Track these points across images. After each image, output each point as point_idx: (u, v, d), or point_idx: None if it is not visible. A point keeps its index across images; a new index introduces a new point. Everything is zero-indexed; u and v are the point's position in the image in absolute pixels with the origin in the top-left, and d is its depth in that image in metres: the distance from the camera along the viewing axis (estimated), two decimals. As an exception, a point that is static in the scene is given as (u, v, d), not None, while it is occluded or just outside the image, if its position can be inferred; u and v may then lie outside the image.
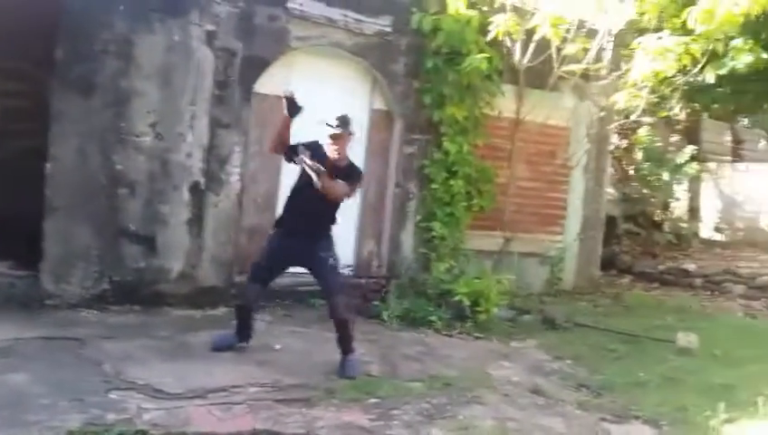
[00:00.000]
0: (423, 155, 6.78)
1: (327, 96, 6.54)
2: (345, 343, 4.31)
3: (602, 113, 7.58)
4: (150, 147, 5.62)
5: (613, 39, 6.46)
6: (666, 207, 10.51)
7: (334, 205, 4.34)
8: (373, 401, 3.73)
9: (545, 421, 3.68)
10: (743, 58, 7.97)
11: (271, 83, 6.18)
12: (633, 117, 6.52)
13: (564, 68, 6.27)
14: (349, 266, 6.17)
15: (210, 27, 5.79)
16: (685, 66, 5.97)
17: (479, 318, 5.67)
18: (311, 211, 4.26)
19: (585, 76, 6.75)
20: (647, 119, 8.49)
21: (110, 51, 5.43)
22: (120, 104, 5.50)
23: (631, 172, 10.36)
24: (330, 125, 4.26)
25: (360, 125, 6.72)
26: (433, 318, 5.68)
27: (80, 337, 4.44)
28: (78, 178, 5.39)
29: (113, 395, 3.47)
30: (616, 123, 7.39)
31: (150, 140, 5.62)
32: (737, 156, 11.71)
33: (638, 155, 10.30)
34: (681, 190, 10.45)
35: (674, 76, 6.23)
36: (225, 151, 5.92)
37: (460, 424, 3.51)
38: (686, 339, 5.25)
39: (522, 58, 6.33)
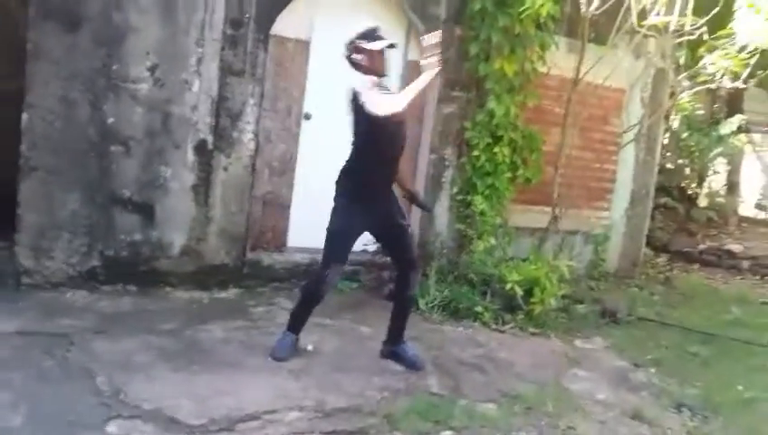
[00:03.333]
0: (463, 116, 5.86)
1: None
2: (403, 330, 3.77)
3: (659, 75, 6.71)
4: (148, 96, 4.66)
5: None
6: (702, 180, 9.74)
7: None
8: (447, 433, 2.93)
9: (662, 463, 2.94)
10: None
11: (291, 24, 5.22)
12: (735, 84, 5.57)
13: (643, 22, 5.31)
14: (373, 242, 5.31)
15: (220, -51, 4.77)
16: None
17: (533, 310, 4.88)
18: (390, 164, 3.58)
19: (646, 31, 5.83)
20: (690, 83, 7.54)
21: (99, -26, 4.41)
22: (112, 42, 4.52)
23: (666, 141, 9.52)
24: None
25: (392, 78, 5.82)
26: (479, 309, 4.88)
27: (65, 332, 3.57)
28: (61, 132, 4.44)
29: (113, 428, 2.63)
30: (689, 89, 6.47)
31: (148, 88, 4.66)
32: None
33: (675, 123, 9.45)
34: (720, 163, 9.66)
35: None
36: (237, 104, 4.97)
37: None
38: (781, 344, 4.55)
39: (589, 4, 5.38)
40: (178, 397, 2.93)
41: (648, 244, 8.37)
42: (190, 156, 4.83)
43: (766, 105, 10.67)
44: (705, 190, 9.88)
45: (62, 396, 2.85)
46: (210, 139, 4.89)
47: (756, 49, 5.14)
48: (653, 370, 4.20)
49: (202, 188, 4.88)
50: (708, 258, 8.17)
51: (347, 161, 3.64)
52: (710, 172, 9.79)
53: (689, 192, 9.61)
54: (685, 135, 9.19)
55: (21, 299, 4.07)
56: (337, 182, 3.64)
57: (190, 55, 4.76)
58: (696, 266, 8.03)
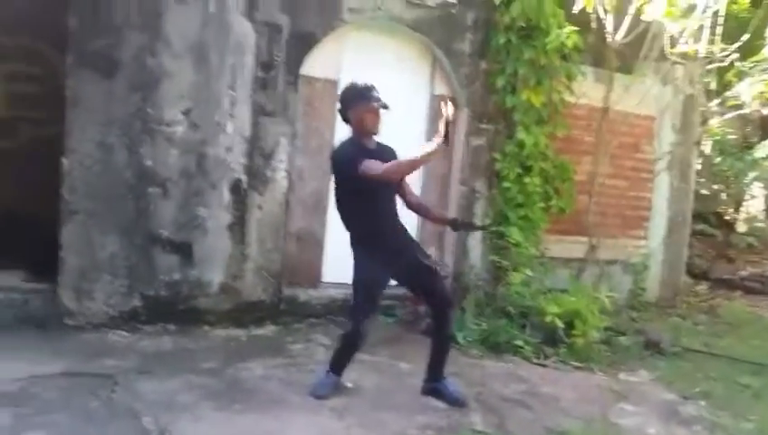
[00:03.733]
0: (492, 148, 5.86)
1: (382, 79, 5.62)
2: (443, 366, 3.67)
3: (689, 101, 6.66)
4: (184, 138, 4.76)
5: (721, 17, 5.47)
6: (738, 205, 9.54)
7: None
8: (496, 473, 2.86)
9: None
10: None
11: (320, 64, 5.31)
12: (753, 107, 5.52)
13: (671, 49, 5.29)
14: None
15: (251, -3, 4.90)
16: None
17: (576, 343, 4.77)
18: (392, 211, 3.56)
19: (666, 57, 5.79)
20: (722, 108, 7.45)
21: (133, 23, 4.57)
22: (147, 87, 4.65)
23: (699, 167, 9.37)
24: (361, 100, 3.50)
25: (419, 112, 5.87)
26: (519, 343, 4.79)
27: (109, 372, 3.60)
28: (100, 176, 4.55)
29: (160, 469, 2.62)
30: (720, 114, 6.39)
31: (183, 130, 4.76)
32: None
33: (708, 148, 9.32)
34: (757, 187, 9.46)
35: None
36: (269, 144, 5.05)
37: None
38: (837, 373, 4.36)
39: (615, 35, 5.39)
40: (223, 436, 2.92)
41: (687, 272, 8.19)
42: (226, 195, 4.90)
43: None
44: (742, 216, 9.66)
45: (109, 436, 2.86)
46: (245, 178, 4.96)
47: None
48: (703, 403, 4.04)
49: (238, 227, 4.94)
50: (751, 285, 7.94)
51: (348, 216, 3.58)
52: (747, 197, 9.58)
53: (727, 218, 9.40)
54: (718, 160, 9.05)
55: (64, 340, 4.12)
56: (351, 236, 3.60)
57: (223, 98, 4.87)
58: (739, 294, 7.80)
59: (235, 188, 4.93)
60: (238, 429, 3.04)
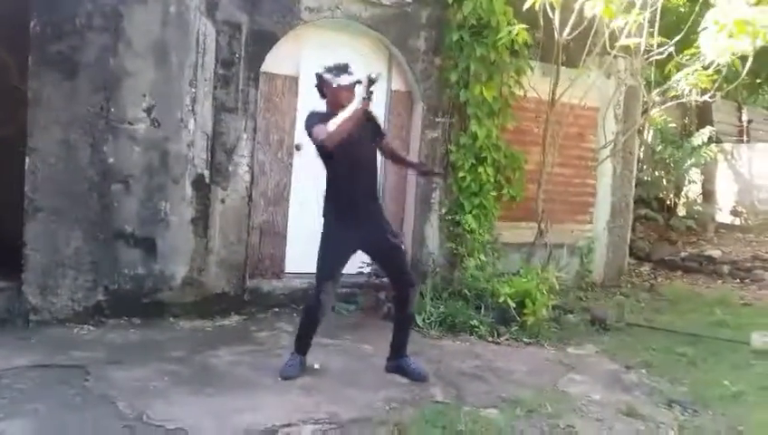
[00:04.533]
0: (447, 140, 6.13)
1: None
2: (406, 344, 3.94)
3: (631, 92, 7.05)
4: (146, 136, 4.85)
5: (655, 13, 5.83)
6: (679, 190, 10.08)
7: (376, 165, 3.89)
8: (455, 438, 3.11)
9: (660, 454, 3.12)
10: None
11: (279, 62, 5.47)
12: (704, 98, 5.87)
13: (616, 44, 5.62)
14: (368, 264, 5.50)
15: (210, -4, 5.02)
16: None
17: (527, 321, 5.07)
18: (360, 181, 3.72)
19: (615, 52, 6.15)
20: (662, 98, 7.91)
21: (94, 24, 4.64)
22: (109, 87, 4.72)
23: (641, 155, 9.86)
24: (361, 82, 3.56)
25: (376, 107, 6.06)
26: (475, 323, 5.07)
27: (80, 363, 3.70)
28: (63, 174, 4.61)
29: (141, 448, 2.77)
30: (660, 104, 6.79)
31: (146, 128, 4.85)
32: (749, 136, 11.36)
33: (650, 137, 9.82)
34: (694, 173, 10.01)
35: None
36: (231, 139, 5.18)
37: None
38: (762, 340, 4.76)
39: (561, 31, 5.70)
40: (199, 416, 3.07)
41: (631, 254, 8.64)
42: (188, 190, 5.01)
43: (734, 116, 11.14)
44: (682, 200, 10.21)
45: (88, 421, 2.98)
46: (207, 173, 5.08)
47: (720, 65, 5.44)
48: (644, 371, 4.39)
49: (201, 221, 5.06)
50: (690, 265, 8.44)
51: (325, 186, 3.81)
52: (686, 183, 10.13)
53: (668, 202, 9.93)
54: (659, 148, 9.55)
55: (30, 336, 4.19)
56: (323, 206, 3.82)
57: (185, 95, 4.97)
58: (679, 273, 8.29)
59: (198, 182, 5.05)
60: (211, 409, 3.20)
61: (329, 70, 3.78)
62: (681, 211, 10.03)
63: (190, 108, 5.00)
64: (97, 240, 4.72)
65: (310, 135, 3.61)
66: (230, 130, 5.17)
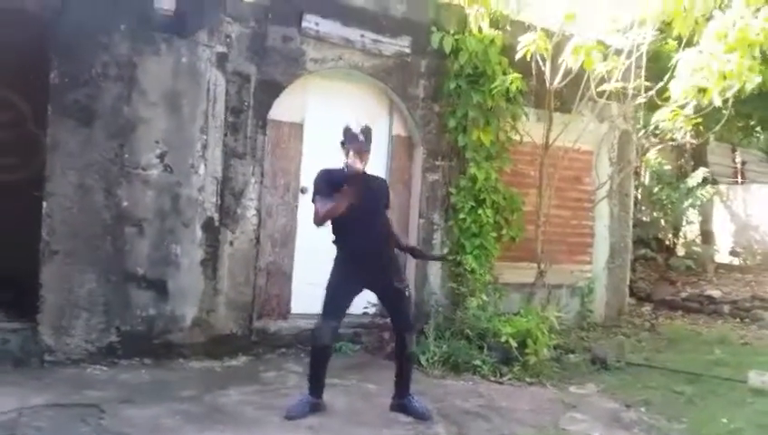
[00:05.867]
0: (447, 183, 6.33)
1: (344, 122, 6.04)
2: (409, 383, 4.07)
3: (624, 135, 7.28)
4: (158, 180, 5.05)
5: (636, 59, 6.09)
6: (677, 231, 10.24)
7: (385, 220, 4.06)
8: (458, 474, 3.19)
9: (655, 488, 3.20)
10: (752, 80, 7.66)
11: (285, 109, 5.72)
12: (677, 137, 6.12)
13: (599, 89, 5.88)
14: (372, 305, 5.63)
15: (221, 49, 5.29)
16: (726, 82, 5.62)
17: (528, 361, 5.17)
18: (369, 234, 3.92)
19: (607, 98, 6.40)
20: (654, 142, 8.15)
21: (110, 74, 4.90)
22: (124, 134, 4.95)
23: (639, 196, 10.07)
24: (346, 142, 3.89)
25: (379, 152, 6.30)
26: (478, 362, 5.17)
27: (95, 402, 3.81)
28: (78, 217, 4.79)
29: (154, 484, 2.86)
30: (653, 146, 7.02)
31: (158, 173, 5.06)
32: (743, 177, 11.58)
33: (647, 178, 10.04)
34: (692, 214, 10.19)
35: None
36: (240, 184, 5.39)
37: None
38: (759, 379, 4.84)
39: (552, 79, 5.96)
40: (210, 453, 3.18)
41: (631, 294, 8.75)
42: (198, 233, 5.19)
43: (728, 158, 11.40)
44: (681, 241, 10.36)
45: (103, 458, 3.09)
46: (216, 216, 5.26)
47: (694, 105, 5.68)
48: (643, 409, 4.47)
49: (210, 263, 5.21)
50: (690, 305, 8.53)
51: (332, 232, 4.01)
52: (684, 223, 10.31)
53: (666, 243, 10.08)
54: (656, 189, 9.75)
55: (45, 376, 4.30)
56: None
57: (195, 142, 5.19)
58: (680, 313, 8.37)
59: (208, 225, 5.23)
60: (223, 446, 3.30)
61: (345, 133, 3.98)
62: (680, 251, 10.17)
63: (201, 154, 5.21)
64: (110, 282, 4.87)
65: (313, 200, 3.89)
66: (239, 174, 5.37)
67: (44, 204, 4.70)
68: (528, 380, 5.06)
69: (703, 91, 5.53)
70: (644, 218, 9.74)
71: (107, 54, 4.88)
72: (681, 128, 5.93)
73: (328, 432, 3.63)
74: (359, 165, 3.76)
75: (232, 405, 3.99)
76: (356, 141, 3.86)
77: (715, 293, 8.60)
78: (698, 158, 10.70)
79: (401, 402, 4.05)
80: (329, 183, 3.84)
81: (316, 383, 3.96)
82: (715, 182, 10.49)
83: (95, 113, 4.85)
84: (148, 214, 5.02)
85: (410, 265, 6.29)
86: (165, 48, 5.07)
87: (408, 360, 4.10)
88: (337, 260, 3.99)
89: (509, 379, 5.05)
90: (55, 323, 4.67)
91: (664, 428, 4.11)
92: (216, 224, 5.27)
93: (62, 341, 4.67)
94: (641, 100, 6.22)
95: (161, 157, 5.07)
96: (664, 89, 5.86)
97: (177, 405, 3.88)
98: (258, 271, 5.53)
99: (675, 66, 5.66)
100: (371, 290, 4.11)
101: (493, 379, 5.03)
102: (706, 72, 5.42)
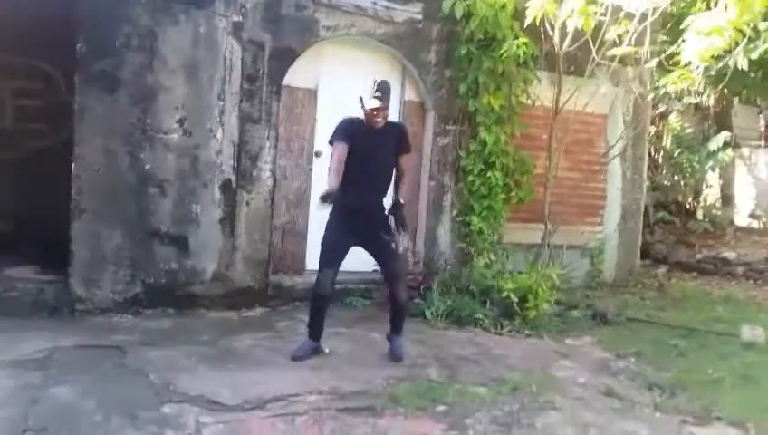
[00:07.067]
0: (458, 146, 6.52)
1: (357, 88, 6.27)
2: (401, 323, 4.40)
3: (639, 99, 7.31)
4: (179, 144, 5.37)
5: (651, 22, 6.08)
6: (697, 194, 10.21)
7: (389, 170, 4.32)
8: (441, 408, 3.48)
9: (627, 426, 3.43)
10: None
11: (299, 76, 5.95)
12: (683, 100, 6.15)
13: (607, 53, 5.94)
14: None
15: (236, 18, 5.53)
16: (737, 43, 5.62)
17: (528, 315, 5.40)
18: (371, 184, 4.23)
19: (621, 61, 6.44)
20: (676, 105, 8.13)
21: (132, 45, 5.18)
22: (146, 100, 5.25)
23: (660, 160, 10.05)
24: (363, 100, 4.17)
25: (391, 117, 6.46)
26: (479, 316, 5.42)
27: (119, 344, 4.21)
28: (105, 178, 5.15)
29: (167, 409, 3.23)
30: (659, 109, 7.05)
31: (179, 137, 5.37)
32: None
33: (668, 142, 10.00)
34: (713, 177, 10.13)
35: (723, 56, 5.84)
36: (255, 147, 5.67)
37: (540, 433, 3.26)
38: (751, 332, 4.98)
39: (560, 44, 6.04)
40: (218, 386, 3.52)
41: (649, 256, 8.86)
42: (217, 194, 5.51)
43: (754, 121, 11.19)
44: (701, 204, 10.33)
45: (124, 389, 3.47)
46: (233, 178, 5.57)
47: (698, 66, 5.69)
48: (633, 359, 4.68)
49: (228, 221, 5.55)
50: (705, 266, 8.59)
51: None
52: (704, 187, 10.26)
53: (687, 206, 10.07)
54: (676, 153, 9.72)
55: (76, 323, 4.73)
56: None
57: (213, 108, 5.48)
58: (695, 275, 8.44)
59: (226, 186, 5.55)
60: (230, 381, 3.64)
61: (362, 93, 4.23)
62: (700, 215, 10.16)
63: (218, 119, 5.51)
64: (135, 238, 5.25)
65: (330, 143, 4.21)
66: (254, 138, 5.66)
67: (73, 166, 5.07)
68: (527, 332, 5.30)
69: (714, 53, 5.53)
70: (665, 182, 9.73)
71: (129, 26, 5.17)
72: (701, 91, 5.93)
73: (329, 370, 3.96)
74: (375, 119, 4.10)
75: (244, 348, 4.35)
76: (367, 101, 4.12)
77: (731, 255, 8.63)
78: (722, 121, 10.55)
79: (390, 335, 4.43)
80: (346, 131, 4.14)
81: (317, 328, 4.28)
82: (737, 145, 10.37)
83: (119, 81, 5.16)
84: (170, 175, 5.35)
85: (420, 225, 6.55)
86: (183, 18, 5.34)
87: (397, 304, 4.37)
88: (331, 215, 4.28)
89: (509, 331, 5.31)
90: (85, 276, 5.08)
91: (649, 375, 4.32)
92: (234, 185, 5.59)
93: (91, 292, 5.09)
94: (652, 63, 6.23)
95: (181, 122, 5.38)
96: (678, 52, 5.88)
97: (193, 348, 4.25)
98: (273, 229, 5.85)
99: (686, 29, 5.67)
100: (362, 244, 4.30)
101: (493, 331, 5.29)
102: (719, 34, 5.42)
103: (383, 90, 4.16)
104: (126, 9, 5.14)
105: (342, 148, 4.06)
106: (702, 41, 5.18)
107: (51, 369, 3.68)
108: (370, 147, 4.12)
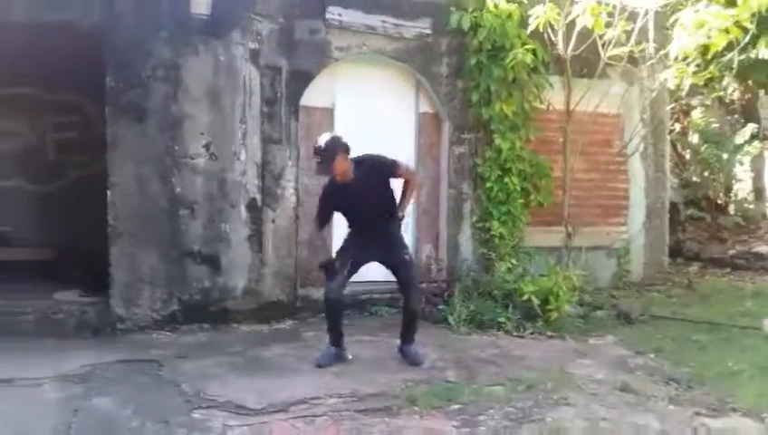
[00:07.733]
0: (474, 154, 6.67)
1: (372, 104, 6.54)
2: (412, 333, 4.57)
3: (654, 95, 7.33)
4: (206, 168, 5.67)
5: (654, 19, 6.13)
6: (728, 189, 10.07)
7: (385, 202, 4.50)
8: (456, 407, 3.63)
9: (638, 419, 3.50)
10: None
11: (316, 96, 6.20)
12: (683, 95, 6.15)
13: (610, 53, 6.03)
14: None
15: (253, 45, 5.83)
16: (737, 40, 5.64)
17: (550, 317, 5.48)
18: (367, 220, 4.48)
19: (632, 60, 6.49)
20: (699, 100, 8.09)
21: (157, 76, 5.52)
22: (173, 128, 5.58)
23: (688, 156, 9.97)
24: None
25: (407, 129, 6.72)
26: (502, 319, 5.53)
27: (155, 358, 4.49)
28: (139, 203, 5.48)
29: (197, 414, 3.47)
30: (672, 105, 7.05)
31: (205, 161, 5.68)
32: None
33: (694, 138, 9.91)
34: (743, 171, 9.99)
35: (722, 53, 5.87)
36: (278, 167, 5.94)
37: (550, 427, 3.37)
38: (774, 324, 4.97)
39: (566, 48, 6.14)
40: (245, 392, 3.75)
41: (680, 254, 8.78)
42: (244, 213, 5.79)
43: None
44: (732, 199, 10.18)
45: (158, 397, 3.73)
46: (259, 197, 5.84)
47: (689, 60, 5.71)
48: (652, 355, 4.72)
49: (256, 238, 5.81)
50: (738, 262, 8.47)
51: None
52: (734, 181, 10.11)
53: (717, 202, 9.94)
54: (702, 149, 9.63)
55: (117, 340, 5.04)
56: None
57: (236, 131, 5.77)
58: (728, 271, 8.33)
59: (252, 206, 5.82)
60: (257, 387, 3.87)
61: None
62: (732, 210, 10.01)
63: (242, 142, 5.79)
64: (170, 259, 5.55)
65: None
66: (276, 158, 5.92)
67: (108, 193, 5.41)
68: (549, 334, 5.37)
69: (705, 48, 5.58)
70: (693, 178, 9.65)
71: (153, 59, 5.51)
72: (685, 85, 5.96)
73: (350, 376, 4.15)
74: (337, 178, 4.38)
75: (272, 357, 4.58)
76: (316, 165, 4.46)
77: (763, 249, 8.50)
78: (748, 113, 10.40)
79: (402, 348, 4.58)
80: (327, 199, 4.53)
81: (336, 335, 4.48)
82: (765, 138, 10.20)
83: (147, 111, 5.50)
84: (199, 197, 5.65)
85: (442, 234, 6.69)
86: (203, 49, 5.66)
87: (409, 312, 4.59)
88: (348, 234, 4.60)
89: (531, 333, 5.40)
90: (124, 297, 5.40)
91: (668, 370, 4.36)
92: (259, 204, 5.85)
93: (130, 311, 5.40)
94: (653, 61, 6.27)
95: (207, 146, 5.68)
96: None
97: (224, 358, 4.50)
98: (299, 244, 6.08)
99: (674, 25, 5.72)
100: (378, 260, 4.56)
101: (515, 334, 5.39)
102: (706, 30, 5.46)
103: (321, 152, 4.31)
104: (150, 43, 5.48)
105: (318, 221, 4.60)
106: (687, 37, 5.25)
107: (92, 382, 3.96)
108: (355, 197, 4.36)
